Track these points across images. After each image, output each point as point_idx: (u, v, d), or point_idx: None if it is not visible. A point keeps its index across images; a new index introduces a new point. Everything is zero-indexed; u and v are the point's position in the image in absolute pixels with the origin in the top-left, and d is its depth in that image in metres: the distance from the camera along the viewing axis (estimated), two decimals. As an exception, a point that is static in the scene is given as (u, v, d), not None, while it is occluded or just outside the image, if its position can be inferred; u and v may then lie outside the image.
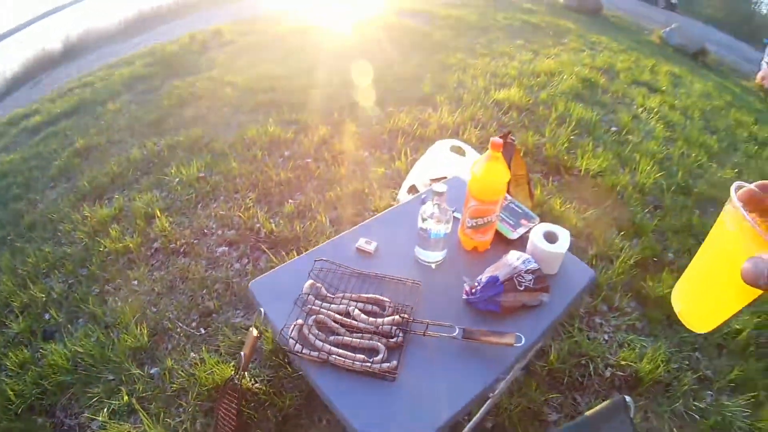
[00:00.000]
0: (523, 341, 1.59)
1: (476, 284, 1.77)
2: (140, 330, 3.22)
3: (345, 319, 1.71)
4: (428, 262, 1.97)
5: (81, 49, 14.03)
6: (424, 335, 1.64)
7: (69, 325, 3.51)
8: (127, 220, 4.40)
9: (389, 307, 1.76)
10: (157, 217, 4.22)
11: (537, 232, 1.91)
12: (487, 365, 1.62)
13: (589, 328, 3.15)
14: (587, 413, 1.90)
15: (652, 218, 4.05)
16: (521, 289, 1.72)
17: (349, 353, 1.59)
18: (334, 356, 1.58)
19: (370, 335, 1.66)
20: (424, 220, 1.82)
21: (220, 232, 4.04)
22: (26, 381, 3.14)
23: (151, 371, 3.03)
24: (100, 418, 2.77)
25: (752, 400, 2.80)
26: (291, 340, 1.64)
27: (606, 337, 3.13)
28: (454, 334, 1.62)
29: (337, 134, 5.17)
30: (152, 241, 4.07)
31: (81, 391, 3.02)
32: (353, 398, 1.53)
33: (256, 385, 2.75)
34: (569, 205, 3.92)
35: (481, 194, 1.82)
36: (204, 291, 3.50)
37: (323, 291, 1.81)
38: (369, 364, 1.56)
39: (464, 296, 1.79)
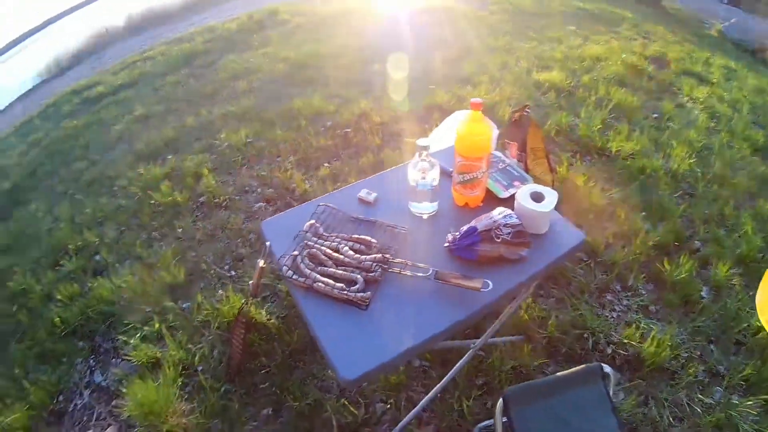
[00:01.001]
0: (490, 287, 1.73)
1: (458, 234, 1.93)
2: (179, 270, 3.56)
3: (334, 254, 1.92)
4: (420, 213, 2.15)
5: (142, 26, 14.57)
6: (400, 273, 1.84)
7: (117, 265, 3.90)
8: (178, 178, 4.77)
9: (374, 247, 1.96)
10: (205, 175, 4.58)
11: (524, 191, 2.05)
12: (454, 306, 1.77)
13: (598, 305, 3.16)
14: (559, 374, 2.00)
15: (681, 204, 4.00)
16: (498, 241, 1.85)
17: (330, 281, 1.80)
18: (318, 283, 1.80)
19: (352, 269, 1.86)
20: (414, 174, 2.01)
21: (259, 190, 4.36)
22: (72, 310, 3.54)
23: (183, 305, 3.36)
24: (132, 342, 3.12)
25: (765, 404, 2.64)
26: (284, 267, 1.87)
27: (614, 315, 3.11)
28: (427, 275, 1.79)
29: (376, 108, 5.36)
30: (198, 196, 4.43)
31: (119, 320, 3.39)
32: (328, 319, 1.76)
33: (271, 320, 3.01)
34: (593, 184, 3.96)
35: (465, 151, 2.00)
36: (239, 240, 3.83)
37: (320, 230, 2.04)
38: (346, 292, 1.76)
39: (445, 245, 1.95)
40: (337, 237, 2.01)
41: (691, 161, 4.43)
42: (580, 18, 8.61)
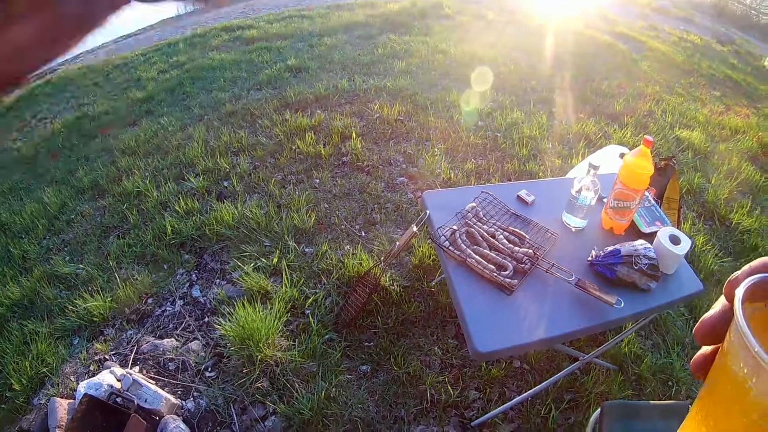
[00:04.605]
0: (622, 305, 1.88)
1: (601, 253, 2.10)
2: (309, 216, 3.79)
3: (490, 238, 2.11)
4: (569, 225, 2.34)
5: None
6: (546, 272, 2.01)
7: (245, 195, 4.18)
8: (324, 133, 5.03)
9: (527, 242, 2.15)
10: (352, 138, 4.83)
11: (665, 231, 2.18)
12: (587, 313, 1.94)
13: (687, 359, 3.19)
14: (653, 402, 2.14)
15: (786, 287, 3.97)
16: (635, 268, 2.01)
17: (483, 261, 2.00)
18: (471, 260, 1.99)
19: (504, 256, 2.05)
20: (577, 187, 2.17)
21: (404, 166, 4.56)
22: (187, 223, 3.84)
23: (306, 249, 3.57)
24: (245, 268, 3.34)
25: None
26: (442, 237, 2.07)
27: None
28: (570, 280, 1.96)
29: (528, 121, 5.49)
30: (342, 156, 4.67)
31: (235, 245, 3.64)
32: (474, 294, 1.95)
33: (393, 287, 3.16)
34: (710, 248, 4.01)
35: (627, 180, 2.15)
36: (375, 206, 4.02)
37: (480, 214, 2.24)
38: (496, 274, 1.95)
39: (589, 259, 2.12)
40: (494, 224, 2.21)
41: (804, 247, 4.42)
42: (726, 85, 8.46)
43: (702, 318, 0.48)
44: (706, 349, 0.50)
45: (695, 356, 0.51)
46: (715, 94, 7.79)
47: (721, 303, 0.48)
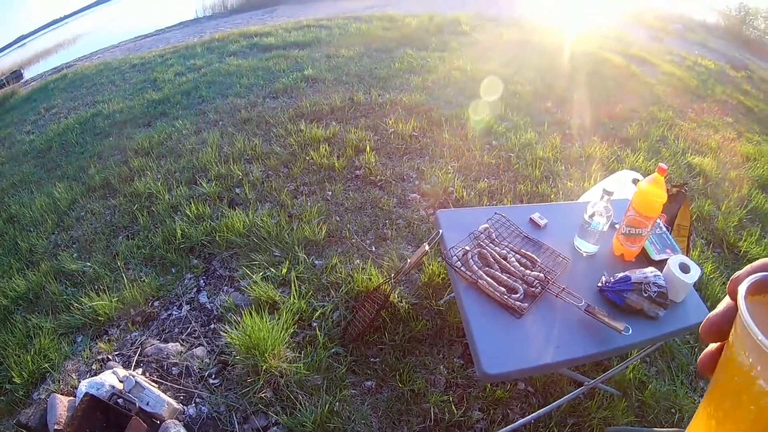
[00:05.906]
0: (630, 332, 1.87)
1: (611, 279, 2.10)
2: (320, 228, 3.79)
3: (502, 260, 2.12)
4: (581, 250, 2.34)
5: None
6: (556, 296, 2.01)
7: (257, 203, 4.19)
8: (338, 145, 5.06)
9: (539, 266, 2.16)
10: (366, 152, 4.84)
11: (675, 259, 2.18)
12: (595, 340, 1.93)
13: (691, 387, 3.19)
14: (653, 429, 2.14)
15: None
16: (645, 295, 2.01)
17: (494, 283, 2.00)
18: (482, 281, 2.00)
19: (515, 279, 2.05)
20: (590, 212, 2.18)
21: (417, 182, 4.56)
22: (197, 228, 3.86)
23: (316, 262, 3.57)
24: (254, 277, 3.34)
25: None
26: (454, 257, 2.08)
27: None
28: (580, 305, 1.96)
29: (541, 142, 5.50)
30: (355, 169, 4.68)
31: (244, 253, 3.64)
32: (483, 315, 1.96)
33: (402, 304, 3.16)
34: (718, 275, 3.97)
35: (640, 206, 2.16)
36: (387, 221, 4.01)
37: (493, 235, 2.26)
38: (506, 297, 1.96)
39: (598, 285, 2.13)
40: (507, 246, 2.22)
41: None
42: (739, 112, 8.44)
43: (708, 316, 0.52)
44: (711, 347, 0.54)
45: (702, 354, 0.55)
46: (727, 121, 7.78)
47: (725, 302, 0.52)
